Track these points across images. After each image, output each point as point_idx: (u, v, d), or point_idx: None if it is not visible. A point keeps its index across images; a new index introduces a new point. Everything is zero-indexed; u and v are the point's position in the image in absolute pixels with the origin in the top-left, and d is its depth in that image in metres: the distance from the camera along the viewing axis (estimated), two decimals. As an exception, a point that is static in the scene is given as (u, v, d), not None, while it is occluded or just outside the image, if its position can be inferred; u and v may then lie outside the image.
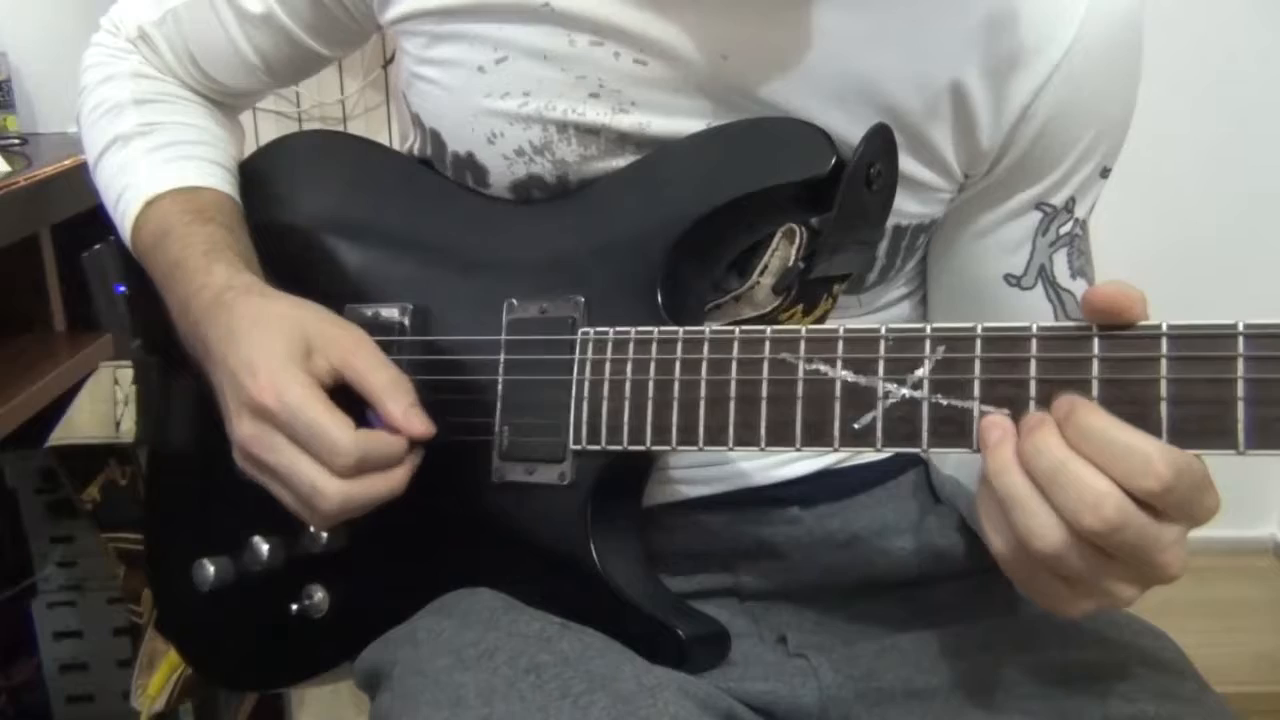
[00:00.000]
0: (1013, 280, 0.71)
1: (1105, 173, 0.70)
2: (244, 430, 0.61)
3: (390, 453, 0.61)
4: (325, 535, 0.67)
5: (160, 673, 1.20)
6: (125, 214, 0.74)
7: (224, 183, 0.77)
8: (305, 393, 0.60)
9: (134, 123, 0.77)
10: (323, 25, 0.78)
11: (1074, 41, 0.64)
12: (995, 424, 0.51)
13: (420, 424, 0.62)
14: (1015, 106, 0.65)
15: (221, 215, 0.73)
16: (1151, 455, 0.46)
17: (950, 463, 0.73)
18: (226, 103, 0.84)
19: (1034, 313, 0.70)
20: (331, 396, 0.62)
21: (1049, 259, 0.71)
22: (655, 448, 0.60)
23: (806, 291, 0.64)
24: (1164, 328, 0.49)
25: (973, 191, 0.70)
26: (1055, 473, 0.47)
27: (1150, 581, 0.49)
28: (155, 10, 0.80)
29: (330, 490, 0.59)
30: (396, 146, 0.80)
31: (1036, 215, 0.70)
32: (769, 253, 0.64)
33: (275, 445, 0.60)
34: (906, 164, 0.65)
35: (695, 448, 0.58)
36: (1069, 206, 0.70)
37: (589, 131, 0.66)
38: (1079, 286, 0.72)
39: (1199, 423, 0.47)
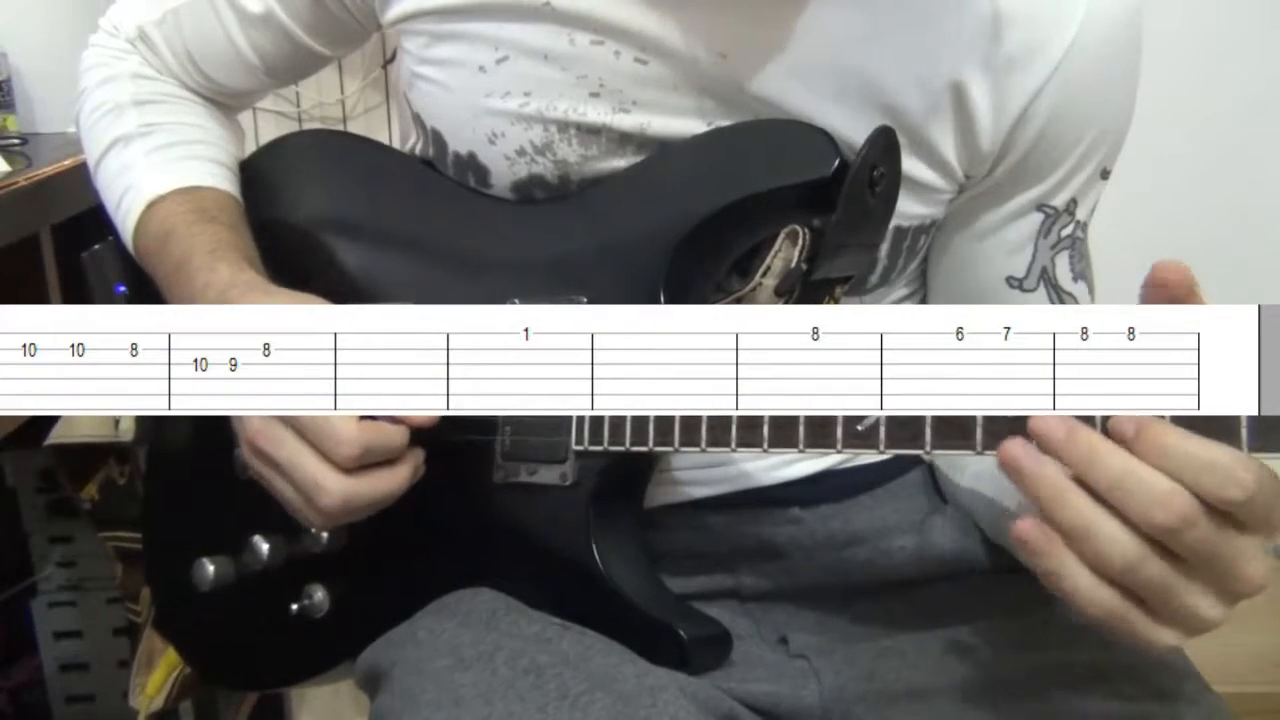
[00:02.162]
0: (1014, 282, 0.71)
1: (1105, 174, 0.70)
2: (253, 424, 0.61)
3: (392, 444, 0.61)
4: (326, 535, 0.67)
5: (159, 671, 1.20)
6: (127, 216, 0.74)
7: (225, 182, 0.77)
8: None
9: (134, 124, 0.77)
10: (323, 25, 0.78)
11: (1073, 42, 0.64)
12: (1020, 451, 0.48)
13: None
14: (1015, 107, 0.65)
15: (224, 214, 0.73)
16: (1233, 465, 0.45)
17: (969, 473, 0.72)
18: (226, 103, 0.84)
19: None
20: None
21: (1051, 261, 0.71)
22: (658, 448, 0.60)
23: (808, 293, 0.64)
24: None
25: (974, 192, 0.70)
26: (1121, 479, 0.46)
27: (1234, 594, 0.47)
28: (155, 10, 0.80)
29: (333, 486, 0.59)
30: (397, 146, 0.80)
31: (1038, 217, 0.70)
32: (771, 254, 0.64)
33: (282, 439, 0.60)
34: (908, 164, 0.65)
35: (698, 449, 0.58)
36: (1070, 209, 0.70)
37: (590, 131, 0.66)
38: (1080, 290, 0.72)
39: (1204, 422, 0.47)
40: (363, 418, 0.60)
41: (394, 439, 0.61)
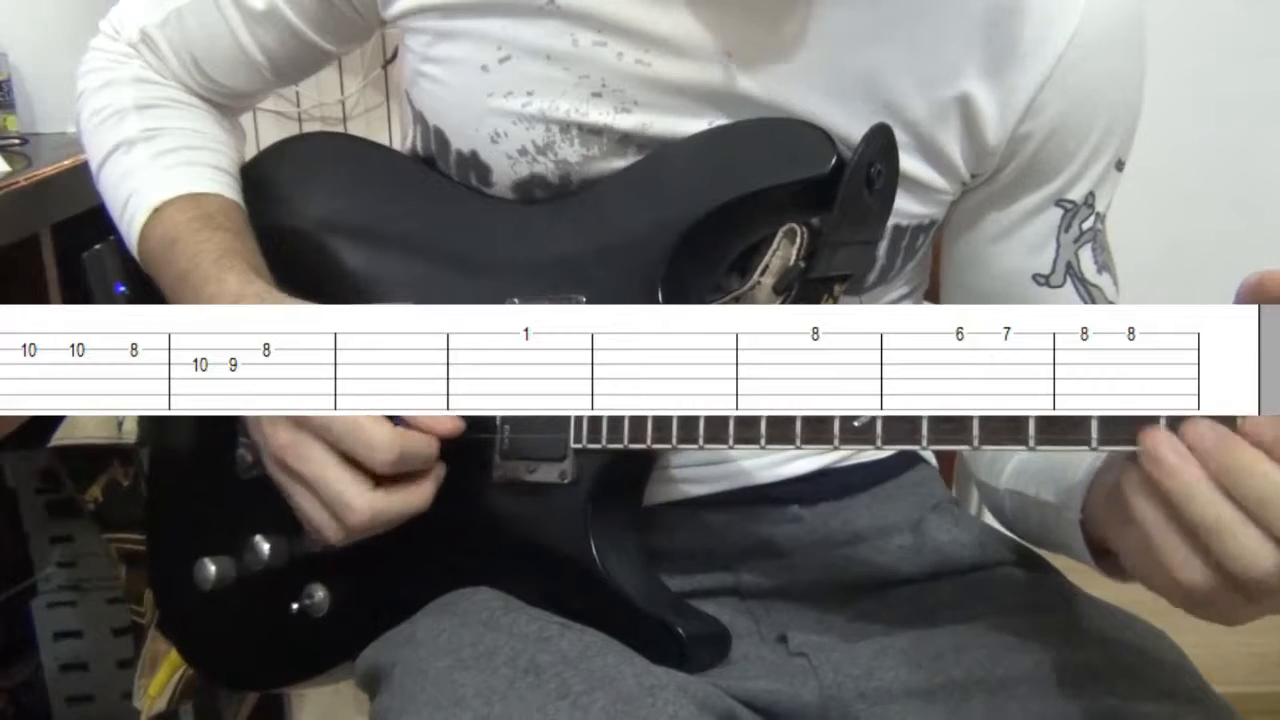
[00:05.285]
0: (1041, 280, 0.71)
1: (1120, 165, 0.71)
2: (282, 438, 0.61)
3: (425, 452, 0.61)
4: None
5: (161, 673, 1.20)
6: (132, 221, 0.74)
7: (228, 188, 0.76)
8: None
9: (137, 128, 0.77)
10: (327, 19, 0.77)
11: (1075, 33, 0.64)
12: (1166, 442, 0.46)
13: (448, 421, 0.61)
14: (1020, 101, 0.66)
15: (229, 222, 0.73)
16: None
17: (1005, 475, 0.72)
18: (228, 105, 0.84)
19: None
20: None
21: (1075, 255, 0.71)
22: (656, 446, 0.60)
23: (807, 291, 0.65)
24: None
25: (987, 192, 0.70)
26: (1274, 494, 0.44)
27: None
28: (158, 12, 0.79)
29: (360, 504, 0.59)
30: (397, 146, 0.80)
31: (1057, 212, 0.70)
32: (770, 252, 0.64)
33: (309, 455, 0.60)
34: (909, 163, 0.66)
35: (696, 446, 0.58)
36: (1089, 201, 0.70)
37: (592, 132, 0.66)
38: (1104, 281, 0.72)
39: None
40: (395, 425, 0.60)
41: (426, 446, 0.61)
